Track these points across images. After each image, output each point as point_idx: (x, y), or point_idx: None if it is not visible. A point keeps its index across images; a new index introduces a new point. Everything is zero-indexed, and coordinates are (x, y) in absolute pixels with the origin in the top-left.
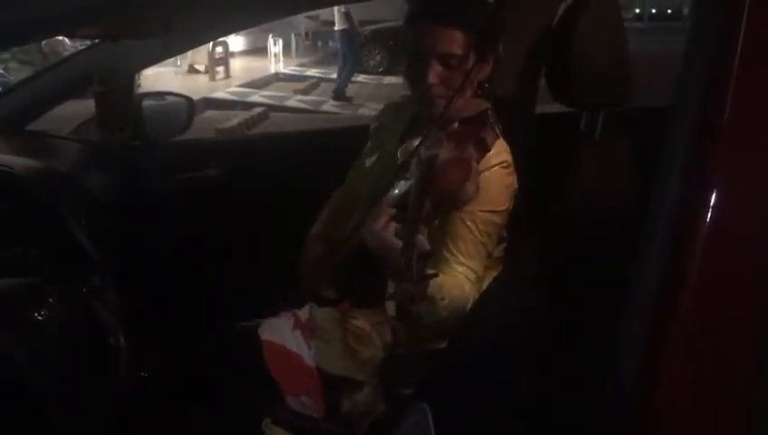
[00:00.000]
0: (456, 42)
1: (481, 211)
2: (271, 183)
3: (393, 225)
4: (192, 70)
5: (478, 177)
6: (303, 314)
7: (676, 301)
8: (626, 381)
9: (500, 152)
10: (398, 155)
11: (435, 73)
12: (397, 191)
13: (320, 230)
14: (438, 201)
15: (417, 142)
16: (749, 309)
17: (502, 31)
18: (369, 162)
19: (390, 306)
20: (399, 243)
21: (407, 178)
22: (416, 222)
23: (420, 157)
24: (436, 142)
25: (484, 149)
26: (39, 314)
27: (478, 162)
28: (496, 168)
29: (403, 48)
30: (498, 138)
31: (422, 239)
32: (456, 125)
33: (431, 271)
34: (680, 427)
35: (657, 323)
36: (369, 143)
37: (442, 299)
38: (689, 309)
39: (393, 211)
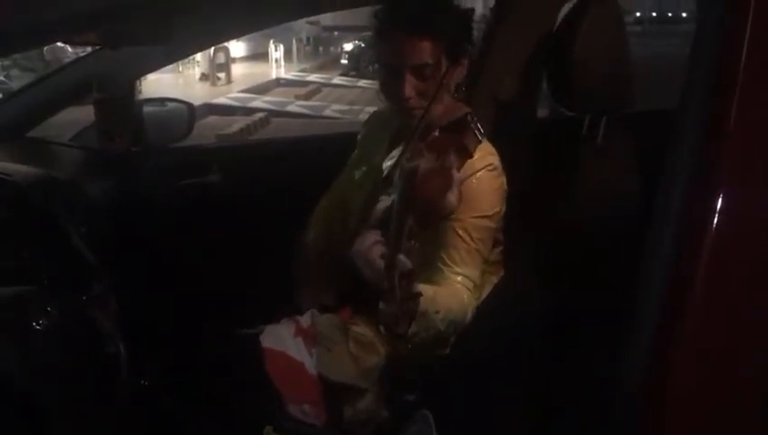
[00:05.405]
0: (426, 51)
1: (472, 218)
2: (272, 189)
3: (379, 246)
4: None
5: (461, 184)
6: (305, 320)
7: (683, 302)
8: (632, 382)
9: (485, 156)
10: (384, 168)
11: (410, 86)
12: (379, 205)
13: (312, 238)
14: (421, 215)
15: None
16: (755, 310)
17: (471, 32)
18: (357, 174)
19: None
20: (382, 263)
21: (389, 194)
22: (398, 240)
23: (402, 169)
24: (417, 153)
25: (466, 155)
26: (38, 323)
27: (459, 169)
28: (482, 172)
29: (376, 62)
30: (480, 141)
31: (403, 259)
32: (436, 133)
33: (418, 289)
34: (687, 428)
35: (663, 325)
36: (355, 151)
37: (437, 312)
38: (696, 311)
39: (378, 234)
